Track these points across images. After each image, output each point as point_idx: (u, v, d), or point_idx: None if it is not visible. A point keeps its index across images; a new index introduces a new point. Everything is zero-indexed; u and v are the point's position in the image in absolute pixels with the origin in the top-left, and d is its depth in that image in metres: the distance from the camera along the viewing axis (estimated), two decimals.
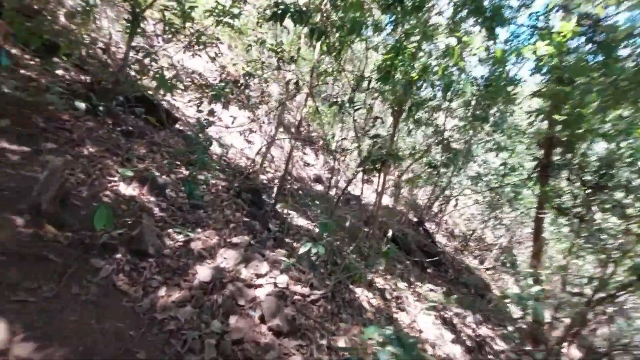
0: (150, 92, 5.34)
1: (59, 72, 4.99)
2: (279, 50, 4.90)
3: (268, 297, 2.43)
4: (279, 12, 3.81)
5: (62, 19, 6.82)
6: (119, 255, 2.08)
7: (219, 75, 7.65)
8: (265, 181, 7.36)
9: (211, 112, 5.40)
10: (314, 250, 2.74)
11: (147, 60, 4.33)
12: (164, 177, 3.67)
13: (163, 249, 2.31)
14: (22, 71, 3.99)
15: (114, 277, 1.98)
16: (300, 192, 9.53)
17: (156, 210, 2.85)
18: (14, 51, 4.33)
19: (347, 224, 6.15)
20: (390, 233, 6.90)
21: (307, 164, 12.38)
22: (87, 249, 1.97)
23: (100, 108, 4.17)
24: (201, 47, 4.93)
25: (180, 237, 2.62)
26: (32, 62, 4.46)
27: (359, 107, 5.51)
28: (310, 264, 3.27)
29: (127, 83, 4.53)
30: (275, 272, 2.79)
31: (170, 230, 2.62)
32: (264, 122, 8.69)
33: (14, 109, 2.68)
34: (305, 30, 4.08)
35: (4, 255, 1.62)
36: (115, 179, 2.87)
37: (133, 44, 4.76)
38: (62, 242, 1.87)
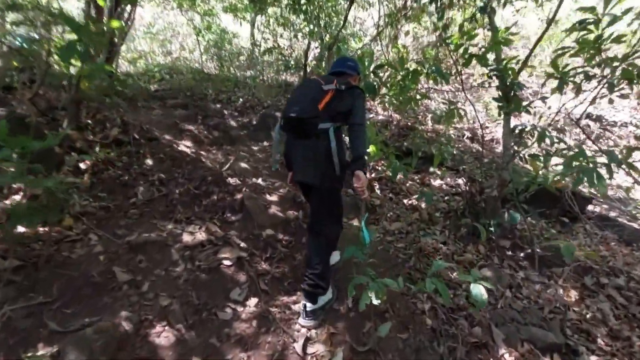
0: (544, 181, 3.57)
1: (436, 183, 4.56)
2: None
3: None
4: None
5: (430, 123, 7.06)
6: None
7: None
8: None
9: None
10: None
11: (542, 143, 2.71)
12: None
13: None
14: (406, 201, 3.67)
15: None
16: None
17: None
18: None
19: None
20: None
21: None
22: None
23: (492, 229, 2.94)
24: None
25: None
26: (410, 182, 4.26)
27: None
28: None
29: (516, 183, 3.09)
30: None
31: None
32: None
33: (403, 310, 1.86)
34: None
35: None
36: None
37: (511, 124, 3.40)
38: None
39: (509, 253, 2.94)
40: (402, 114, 5.98)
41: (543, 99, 3.16)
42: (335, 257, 2.17)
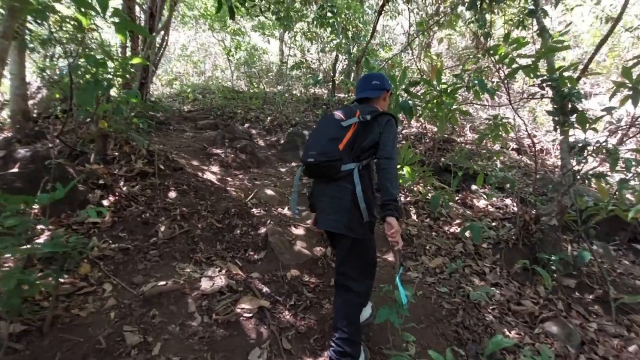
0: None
1: (480, 204, 4.11)
2: None
3: None
4: None
5: (469, 135, 6.55)
6: None
7: None
8: None
9: None
10: None
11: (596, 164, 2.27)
12: None
13: None
14: (446, 228, 3.30)
15: None
16: None
17: None
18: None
19: None
20: None
21: None
22: None
23: (552, 265, 2.50)
24: None
25: None
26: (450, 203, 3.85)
27: None
28: None
29: (585, 210, 2.63)
30: None
31: None
32: None
33: None
34: None
35: None
36: None
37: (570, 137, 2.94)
38: None
39: (576, 294, 2.49)
40: (438, 127, 5.58)
41: (609, 110, 2.68)
42: (366, 312, 1.89)
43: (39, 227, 1.92)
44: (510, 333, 1.88)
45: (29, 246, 1.56)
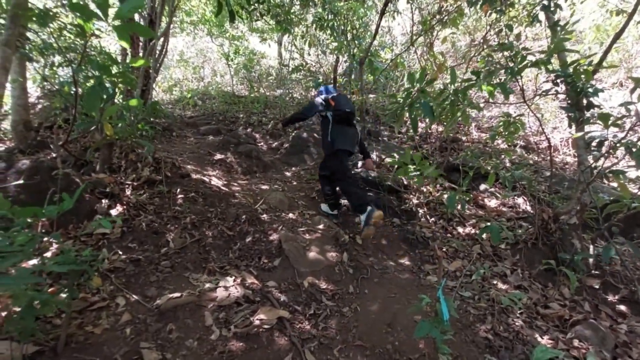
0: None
1: (491, 203, 4.04)
2: None
3: None
4: None
5: (475, 133, 6.49)
6: None
7: None
8: None
9: None
10: None
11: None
12: None
13: None
14: (461, 229, 3.22)
15: None
16: None
17: None
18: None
19: None
20: None
21: None
22: None
23: (577, 273, 2.41)
24: None
25: None
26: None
27: None
28: None
29: (607, 208, 2.56)
30: None
31: None
32: None
33: None
34: None
35: None
36: None
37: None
38: None
39: (601, 295, 2.41)
40: (445, 127, 5.50)
41: (627, 105, 2.61)
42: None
43: (50, 240, 1.85)
44: (542, 339, 1.80)
45: (38, 261, 1.48)
